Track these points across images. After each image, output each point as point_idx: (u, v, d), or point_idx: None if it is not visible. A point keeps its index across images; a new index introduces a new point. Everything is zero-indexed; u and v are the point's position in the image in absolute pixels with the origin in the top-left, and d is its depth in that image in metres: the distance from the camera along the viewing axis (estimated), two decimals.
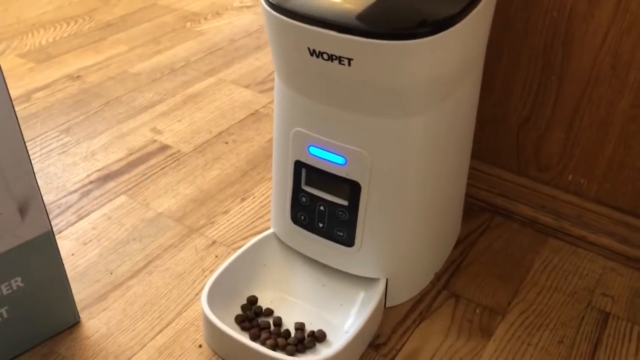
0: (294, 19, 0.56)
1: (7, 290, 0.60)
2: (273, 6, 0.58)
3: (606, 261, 0.78)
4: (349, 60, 0.55)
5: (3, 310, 0.60)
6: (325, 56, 0.56)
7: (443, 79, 0.59)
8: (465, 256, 0.79)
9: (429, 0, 0.57)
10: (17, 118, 0.54)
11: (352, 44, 0.54)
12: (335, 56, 0.55)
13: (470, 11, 0.56)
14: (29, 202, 0.57)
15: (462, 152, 0.73)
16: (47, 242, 0.60)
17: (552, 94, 0.76)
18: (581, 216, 0.80)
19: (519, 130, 0.80)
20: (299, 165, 0.66)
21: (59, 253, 0.63)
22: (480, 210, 0.86)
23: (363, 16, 0.55)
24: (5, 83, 0.52)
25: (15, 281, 0.60)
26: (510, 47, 0.76)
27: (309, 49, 0.56)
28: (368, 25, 0.54)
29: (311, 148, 0.64)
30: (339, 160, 0.63)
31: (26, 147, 0.55)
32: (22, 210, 0.57)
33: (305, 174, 0.67)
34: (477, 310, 0.71)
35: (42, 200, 0.59)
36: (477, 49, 0.65)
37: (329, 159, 0.64)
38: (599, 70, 0.71)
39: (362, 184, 0.63)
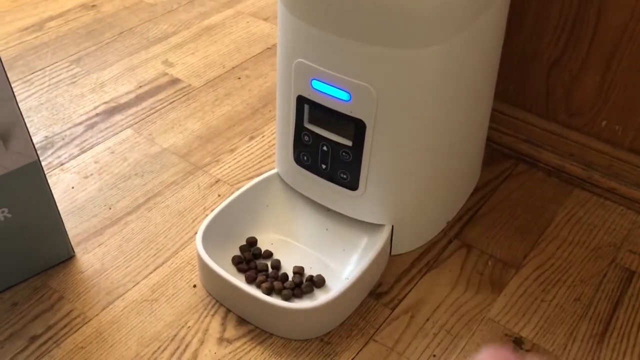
0: None
1: None
2: None
3: (637, 216, 0.72)
4: None
5: None
6: None
7: (460, 4, 0.53)
8: (482, 205, 0.74)
9: None
10: None
11: None
12: None
13: None
14: (11, 130, 0.54)
15: (482, 92, 0.67)
16: (34, 173, 0.58)
17: (589, 31, 0.68)
18: (613, 166, 0.73)
19: (550, 70, 0.73)
20: (301, 101, 0.61)
21: (48, 185, 0.60)
22: (502, 157, 0.80)
23: None
24: None
25: (2, 212, 0.58)
26: None
27: None
28: None
29: (314, 82, 0.59)
30: (343, 95, 0.58)
31: (5, 72, 0.52)
32: (5, 139, 0.54)
33: (308, 111, 0.62)
34: (490, 262, 0.67)
35: (27, 129, 0.56)
36: None
37: (332, 95, 0.58)
38: None
39: (367, 123, 0.58)
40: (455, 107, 0.61)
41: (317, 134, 0.62)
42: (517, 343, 0.59)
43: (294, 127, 0.64)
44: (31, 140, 0.56)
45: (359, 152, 0.60)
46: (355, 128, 0.59)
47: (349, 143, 0.60)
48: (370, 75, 0.55)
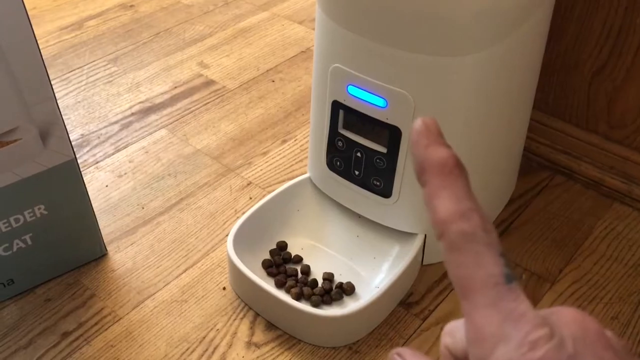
0: None
1: (31, 217, 0.59)
2: None
3: None
4: None
5: (27, 237, 0.60)
6: None
7: (501, 12, 0.52)
8: (518, 216, 0.72)
9: None
10: (37, 44, 0.51)
11: None
12: None
13: None
14: (50, 129, 0.55)
15: (520, 101, 0.65)
16: (70, 171, 0.59)
17: (636, 40, 0.66)
18: None
19: (592, 80, 0.71)
20: (336, 106, 0.61)
21: (84, 183, 0.61)
22: (539, 168, 0.78)
23: None
24: (27, 12, 0.49)
25: (39, 208, 0.59)
26: None
27: None
28: None
29: (350, 87, 0.59)
30: (379, 102, 0.57)
31: (47, 72, 0.53)
32: (44, 137, 0.55)
33: (343, 117, 0.61)
34: (524, 276, 0.65)
35: (65, 128, 0.56)
36: None
37: (368, 101, 0.58)
38: None
39: (403, 130, 0.57)
40: (492, 116, 0.60)
41: (351, 140, 0.62)
42: None
43: (327, 132, 0.63)
44: (69, 139, 0.57)
45: (394, 160, 0.60)
46: (391, 135, 0.58)
47: (383, 150, 0.60)
48: (407, 83, 0.55)
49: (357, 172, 0.63)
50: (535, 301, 0.63)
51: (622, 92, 0.69)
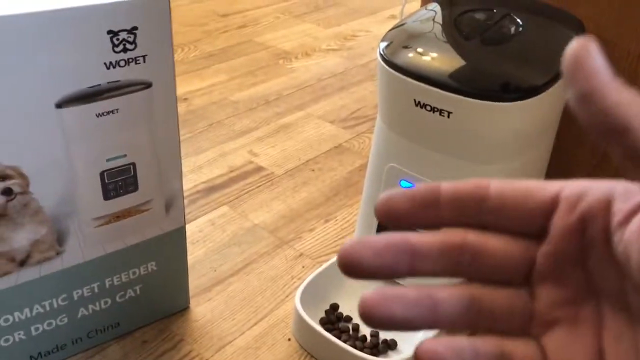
0: (405, 74, 0.68)
1: (144, 271, 0.73)
2: (387, 62, 0.70)
3: None
4: (449, 113, 0.67)
5: (137, 288, 0.73)
6: (428, 107, 0.68)
7: (524, 136, 0.70)
8: None
9: (522, 62, 0.68)
10: (179, 135, 0.68)
11: (453, 100, 0.66)
12: (437, 108, 0.67)
13: (555, 82, 0.67)
14: (174, 200, 0.71)
15: None
16: (180, 235, 0.74)
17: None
18: None
19: None
20: None
21: (186, 245, 0.76)
22: None
23: (464, 77, 0.67)
24: (176, 106, 0.66)
25: (151, 264, 0.73)
26: None
27: (414, 100, 0.69)
28: (467, 86, 0.65)
29: (402, 182, 0.76)
30: None
31: (180, 156, 0.69)
32: (168, 207, 0.70)
33: None
34: None
35: (183, 199, 0.72)
36: (555, 111, 0.75)
37: None
38: None
39: None
40: None
41: None
42: None
43: None
44: (184, 209, 0.72)
45: None
46: None
47: None
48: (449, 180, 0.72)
49: None
50: None
51: None
